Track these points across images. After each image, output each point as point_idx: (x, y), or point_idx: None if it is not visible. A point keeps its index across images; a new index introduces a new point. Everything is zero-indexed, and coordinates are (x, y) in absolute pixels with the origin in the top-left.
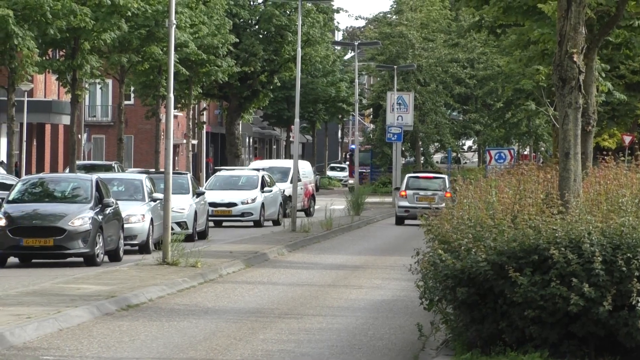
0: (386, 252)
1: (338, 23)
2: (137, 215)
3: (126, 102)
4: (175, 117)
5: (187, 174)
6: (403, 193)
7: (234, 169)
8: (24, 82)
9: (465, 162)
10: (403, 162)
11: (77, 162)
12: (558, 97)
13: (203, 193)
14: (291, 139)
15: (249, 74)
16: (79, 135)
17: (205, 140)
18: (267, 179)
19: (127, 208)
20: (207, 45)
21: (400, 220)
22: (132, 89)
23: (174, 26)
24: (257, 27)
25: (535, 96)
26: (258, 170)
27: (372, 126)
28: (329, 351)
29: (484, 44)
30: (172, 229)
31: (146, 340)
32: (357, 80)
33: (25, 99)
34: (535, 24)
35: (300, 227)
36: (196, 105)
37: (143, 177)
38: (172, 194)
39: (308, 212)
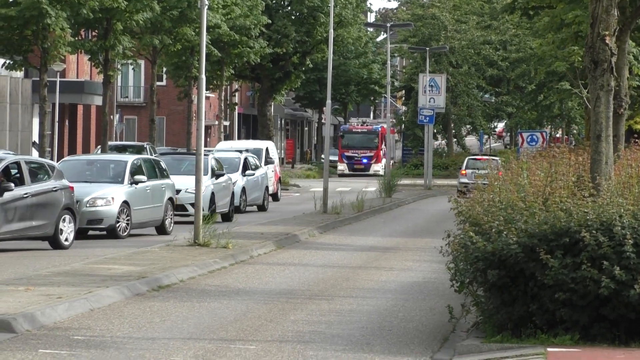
0: (417, 234)
1: (370, 4)
2: (105, 199)
3: (158, 83)
4: (207, 98)
5: (207, 154)
6: (463, 172)
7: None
8: (56, 62)
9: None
10: (435, 145)
11: (109, 143)
12: (590, 80)
13: (223, 174)
14: (323, 121)
15: (281, 55)
16: (111, 116)
17: (237, 121)
18: (252, 160)
19: (94, 191)
20: (240, 27)
21: (461, 193)
22: (164, 70)
23: (206, 7)
24: (289, 8)
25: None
26: (241, 152)
27: (404, 108)
28: (360, 332)
29: (517, 26)
30: (186, 209)
31: (177, 321)
32: (389, 62)
33: (58, 79)
34: (568, 6)
35: (331, 208)
36: (228, 87)
37: (130, 158)
38: (188, 175)
39: (276, 197)
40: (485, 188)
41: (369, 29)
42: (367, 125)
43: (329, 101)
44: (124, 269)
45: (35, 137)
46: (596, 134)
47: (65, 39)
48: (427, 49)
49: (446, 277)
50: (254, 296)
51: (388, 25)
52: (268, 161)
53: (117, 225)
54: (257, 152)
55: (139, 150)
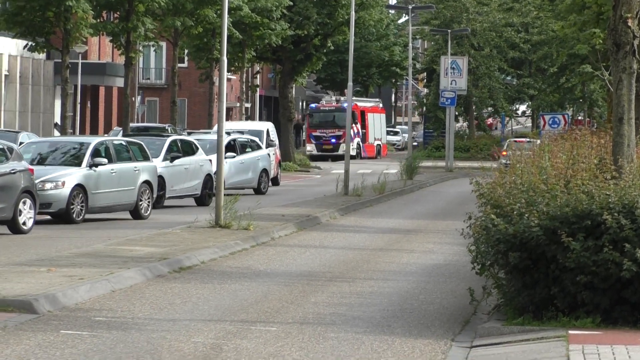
0: (438, 216)
1: None
2: (54, 182)
3: (180, 65)
4: (229, 80)
5: (169, 136)
6: (504, 152)
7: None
8: (78, 44)
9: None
10: (457, 127)
11: (131, 125)
12: (612, 62)
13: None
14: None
15: (302, 37)
16: (133, 98)
17: (259, 103)
18: (242, 142)
19: (48, 174)
20: (261, 8)
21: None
22: (186, 51)
23: None
24: None
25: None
26: (229, 133)
27: (425, 90)
28: (381, 315)
29: (539, 8)
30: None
31: (198, 303)
32: (410, 45)
33: (80, 61)
34: None
35: (352, 190)
36: (249, 69)
37: (94, 140)
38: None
39: (275, 180)
40: (507, 170)
41: (390, 11)
42: (337, 103)
43: (350, 83)
44: (146, 251)
45: (57, 119)
46: (618, 116)
47: (87, 20)
48: (449, 31)
49: (467, 260)
50: (274, 278)
51: (410, 7)
52: (269, 144)
53: (72, 209)
54: (257, 134)
55: (160, 132)
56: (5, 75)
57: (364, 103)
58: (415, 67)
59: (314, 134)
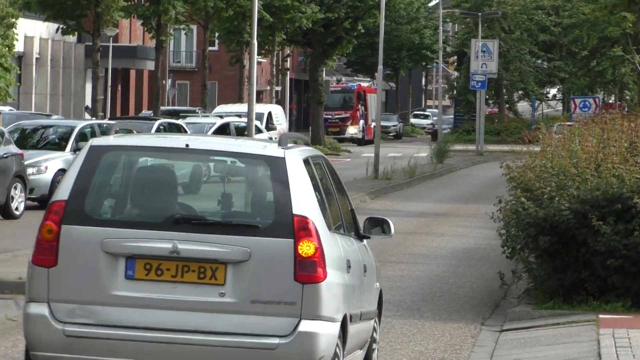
0: (469, 200)
1: None
2: (36, 167)
3: (210, 48)
4: (259, 63)
5: (156, 120)
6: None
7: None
8: (109, 27)
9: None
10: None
11: (161, 108)
12: None
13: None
14: (375, 86)
15: (332, 20)
16: (163, 81)
17: (289, 86)
18: (236, 126)
19: (32, 158)
20: None
21: None
22: (216, 35)
23: None
24: None
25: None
26: (222, 116)
27: (456, 74)
28: (410, 298)
29: None
30: None
31: None
32: (441, 28)
33: (111, 44)
34: None
35: (382, 174)
36: (280, 52)
37: (79, 124)
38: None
39: None
40: (537, 154)
41: None
42: (342, 84)
43: (380, 67)
44: None
45: (88, 102)
46: None
47: (118, 3)
48: (480, 14)
49: (497, 244)
50: None
51: None
52: (270, 127)
53: None
54: (257, 117)
55: (190, 115)
56: (37, 59)
57: (364, 84)
58: (445, 50)
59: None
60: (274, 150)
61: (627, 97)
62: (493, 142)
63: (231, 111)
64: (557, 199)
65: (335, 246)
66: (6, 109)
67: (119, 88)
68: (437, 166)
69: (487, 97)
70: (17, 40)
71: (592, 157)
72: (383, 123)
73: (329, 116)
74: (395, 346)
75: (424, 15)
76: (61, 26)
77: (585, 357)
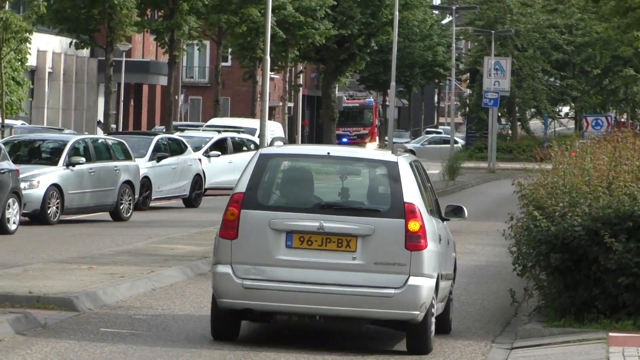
0: (480, 217)
1: None
2: (28, 182)
3: (223, 64)
4: (272, 79)
5: (157, 134)
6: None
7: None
8: (122, 42)
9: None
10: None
11: (174, 123)
12: None
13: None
14: (387, 103)
15: (346, 37)
16: (176, 96)
17: (302, 103)
18: (233, 141)
19: (22, 173)
20: (305, 8)
21: None
22: (229, 50)
23: None
24: None
25: (634, 63)
26: (219, 131)
27: (468, 91)
28: None
29: (583, 10)
30: None
31: None
32: (454, 45)
33: (123, 59)
34: None
35: None
36: (293, 68)
37: (72, 139)
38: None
39: None
40: (549, 172)
41: (434, 11)
42: (358, 99)
43: (393, 83)
44: (187, 249)
45: (100, 116)
46: None
47: (131, 18)
48: (493, 32)
49: (509, 261)
50: None
51: (454, 7)
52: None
53: (48, 210)
54: (250, 132)
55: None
56: (49, 73)
57: (367, 99)
58: (458, 67)
59: (337, 132)
60: (389, 156)
61: (639, 116)
62: (505, 160)
63: (222, 125)
64: (569, 215)
65: (431, 225)
66: (18, 123)
67: (132, 103)
68: (449, 183)
69: (500, 114)
70: (30, 54)
71: (604, 175)
72: (395, 140)
73: (347, 132)
74: None
75: (437, 32)
76: (74, 40)
77: None
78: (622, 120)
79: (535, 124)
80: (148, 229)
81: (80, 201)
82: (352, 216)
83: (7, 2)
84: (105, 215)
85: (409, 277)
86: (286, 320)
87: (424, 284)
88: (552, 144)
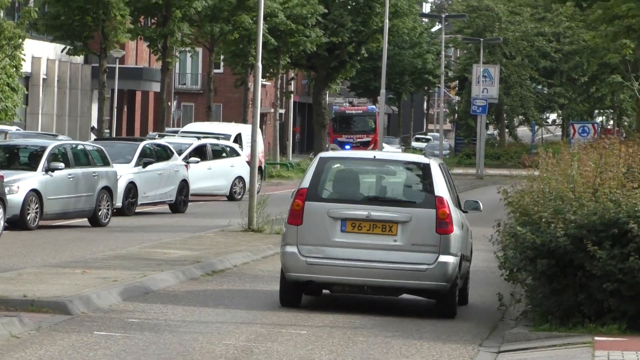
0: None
1: None
2: (7, 187)
3: (216, 71)
4: (264, 86)
5: (141, 140)
6: None
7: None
8: (115, 48)
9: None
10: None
11: (167, 129)
12: None
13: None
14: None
15: (336, 45)
16: (169, 103)
17: (293, 109)
18: (212, 148)
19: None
20: (296, 15)
21: None
22: (221, 57)
23: None
24: None
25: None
26: (199, 137)
27: (457, 98)
28: (410, 319)
29: (570, 18)
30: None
31: (230, 305)
32: (443, 53)
33: (117, 65)
34: None
35: None
36: (284, 75)
37: (51, 144)
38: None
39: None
40: (536, 178)
41: (424, 19)
42: (360, 106)
43: (383, 90)
44: (179, 254)
45: (94, 123)
46: None
47: (125, 25)
48: (481, 40)
49: (496, 266)
50: None
51: (443, 16)
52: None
53: (27, 215)
54: (225, 139)
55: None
56: (44, 79)
57: (370, 106)
58: (447, 75)
59: (339, 139)
60: (422, 159)
61: (626, 123)
62: (493, 166)
63: (199, 130)
64: (554, 224)
65: (455, 214)
66: (13, 129)
67: (125, 109)
68: None
69: (488, 121)
70: (24, 60)
71: (590, 182)
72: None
73: (350, 139)
74: None
75: (426, 40)
76: (68, 47)
77: None
78: (609, 127)
79: (523, 130)
80: (140, 234)
81: (59, 207)
82: (394, 206)
83: (1, 9)
84: (84, 221)
85: (439, 255)
86: (340, 290)
87: (451, 261)
88: (539, 150)
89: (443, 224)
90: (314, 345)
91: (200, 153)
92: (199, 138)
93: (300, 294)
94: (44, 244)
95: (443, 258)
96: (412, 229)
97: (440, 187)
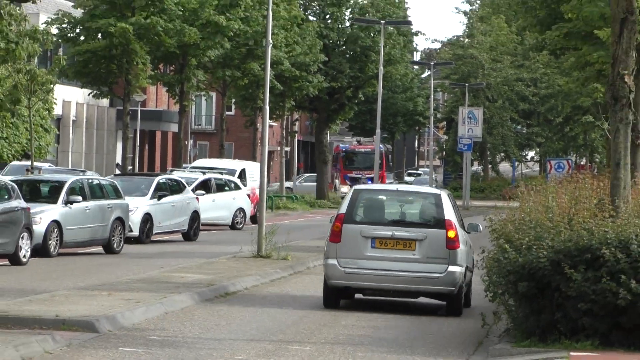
0: None
1: (416, 45)
2: (32, 218)
3: (227, 113)
4: (271, 126)
5: (157, 175)
6: None
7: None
8: (137, 93)
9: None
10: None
11: (184, 165)
12: (610, 114)
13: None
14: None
15: (336, 89)
16: (186, 142)
17: (297, 147)
18: (216, 182)
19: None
20: (300, 63)
21: None
22: (233, 101)
23: (271, 45)
24: (344, 47)
25: (592, 112)
26: (204, 172)
27: (445, 137)
28: (404, 336)
29: (546, 65)
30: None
31: (241, 324)
32: (432, 96)
33: (139, 108)
34: (592, 47)
35: None
36: (289, 116)
37: (69, 179)
38: (135, 196)
39: (254, 219)
40: (517, 209)
41: (414, 66)
42: (367, 144)
43: (378, 130)
44: (195, 277)
45: (119, 159)
46: (616, 162)
47: (146, 72)
48: (466, 84)
49: (481, 288)
50: (309, 303)
51: (432, 63)
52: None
53: (49, 244)
54: (230, 174)
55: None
56: (73, 121)
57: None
58: (436, 116)
59: (350, 175)
60: (435, 190)
61: (597, 160)
62: (478, 198)
63: (208, 166)
64: (534, 248)
65: (461, 234)
66: (46, 165)
67: (146, 147)
68: None
69: (473, 158)
70: (55, 104)
71: (565, 212)
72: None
73: (359, 175)
74: None
75: (417, 85)
76: (95, 92)
77: None
78: (582, 163)
79: (504, 166)
80: (159, 260)
81: (77, 236)
82: (412, 227)
83: (36, 57)
84: (99, 249)
85: (448, 266)
86: (370, 294)
87: (458, 270)
88: (519, 184)
89: (451, 242)
90: None
91: (205, 186)
92: (204, 173)
93: (339, 297)
94: (73, 269)
95: (451, 268)
96: (427, 245)
97: (449, 213)
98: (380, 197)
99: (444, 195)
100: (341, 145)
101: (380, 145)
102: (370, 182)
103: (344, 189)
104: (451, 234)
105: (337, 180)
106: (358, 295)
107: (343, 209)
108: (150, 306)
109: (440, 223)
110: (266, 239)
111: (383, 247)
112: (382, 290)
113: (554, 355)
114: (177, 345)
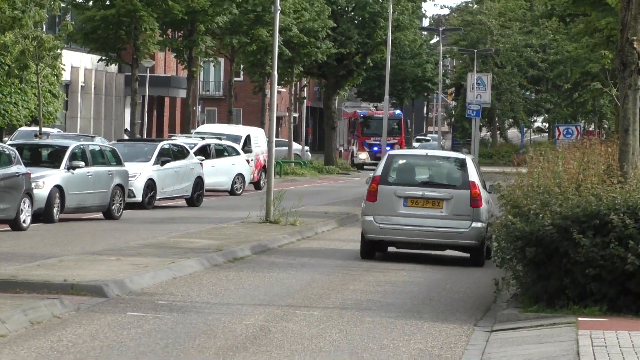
0: None
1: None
2: (34, 182)
3: (236, 79)
4: (279, 92)
5: (160, 141)
6: None
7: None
8: (146, 59)
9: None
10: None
11: (192, 131)
12: (619, 80)
13: (170, 160)
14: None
15: (344, 55)
16: (194, 108)
17: (305, 113)
18: (216, 147)
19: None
20: (308, 29)
21: None
22: (241, 67)
23: (279, 11)
24: (352, 13)
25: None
26: (203, 138)
27: (453, 103)
28: (411, 301)
29: (555, 32)
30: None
31: (249, 289)
32: (441, 62)
33: (147, 74)
34: (601, 13)
35: None
36: (297, 82)
37: (72, 144)
38: (138, 162)
39: (258, 185)
40: (525, 175)
41: (423, 32)
42: (389, 110)
43: (386, 96)
44: (204, 243)
45: (127, 125)
46: (624, 128)
47: (154, 38)
48: (475, 51)
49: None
50: (317, 268)
51: (440, 29)
52: (246, 150)
53: (52, 209)
54: (235, 139)
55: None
56: (82, 86)
57: (396, 111)
58: (444, 82)
59: (368, 141)
60: (460, 155)
61: (605, 126)
62: (486, 164)
63: (211, 132)
64: (541, 215)
65: (484, 193)
66: (54, 131)
67: (155, 113)
68: None
69: (481, 124)
70: (64, 70)
71: (574, 178)
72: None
73: (378, 142)
74: (397, 344)
75: (425, 51)
76: (103, 57)
77: (565, 355)
78: (590, 129)
79: (512, 132)
80: (168, 225)
81: (79, 201)
82: (440, 188)
83: (44, 23)
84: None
85: (472, 222)
86: (402, 247)
87: (481, 226)
88: (527, 150)
89: (475, 201)
90: (325, 324)
91: (204, 152)
92: (203, 138)
93: (374, 250)
94: (80, 235)
95: (475, 224)
96: (454, 204)
97: (473, 175)
98: (411, 161)
99: (469, 159)
100: (358, 111)
101: (399, 112)
102: (389, 148)
103: (363, 155)
104: (475, 194)
105: (354, 147)
106: (391, 248)
107: (379, 171)
108: (159, 271)
109: (465, 184)
110: (274, 205)
111: (414, 205)
112: (413, 244)
113: (561, 320)
114: (185, 309)
